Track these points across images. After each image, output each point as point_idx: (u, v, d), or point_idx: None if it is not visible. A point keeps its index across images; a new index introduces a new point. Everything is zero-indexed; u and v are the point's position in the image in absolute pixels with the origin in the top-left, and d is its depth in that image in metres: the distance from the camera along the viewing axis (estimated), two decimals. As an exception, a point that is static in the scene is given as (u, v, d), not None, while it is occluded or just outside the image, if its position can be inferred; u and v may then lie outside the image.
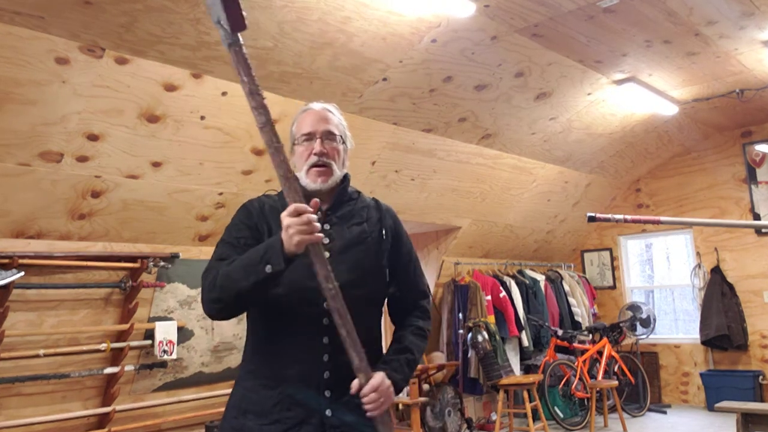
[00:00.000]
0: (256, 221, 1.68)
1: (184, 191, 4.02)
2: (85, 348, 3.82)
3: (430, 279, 6.33)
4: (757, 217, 6.79)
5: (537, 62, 4.47)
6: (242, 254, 1.57)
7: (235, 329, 4.54)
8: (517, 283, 6.74)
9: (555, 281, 7.28)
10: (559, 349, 6.53)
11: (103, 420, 3.94)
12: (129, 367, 4.02)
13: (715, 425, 5.99)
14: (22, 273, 3.44)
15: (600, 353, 6.50)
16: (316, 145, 1.68)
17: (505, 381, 5.71)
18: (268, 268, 1.46)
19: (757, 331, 6.74)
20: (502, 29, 3.94)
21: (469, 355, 6.08)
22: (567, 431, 5.98)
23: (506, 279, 6.71)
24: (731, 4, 3.92)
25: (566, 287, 7.33)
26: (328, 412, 1.58)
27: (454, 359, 6.11)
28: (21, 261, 3.44)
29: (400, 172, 5.15)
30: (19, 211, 3.47)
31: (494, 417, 6.08)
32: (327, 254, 1.52)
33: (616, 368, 6.64)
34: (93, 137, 3.42)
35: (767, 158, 6.84)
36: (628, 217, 2.53)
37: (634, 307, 7.18)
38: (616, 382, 6.15)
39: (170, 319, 4.23)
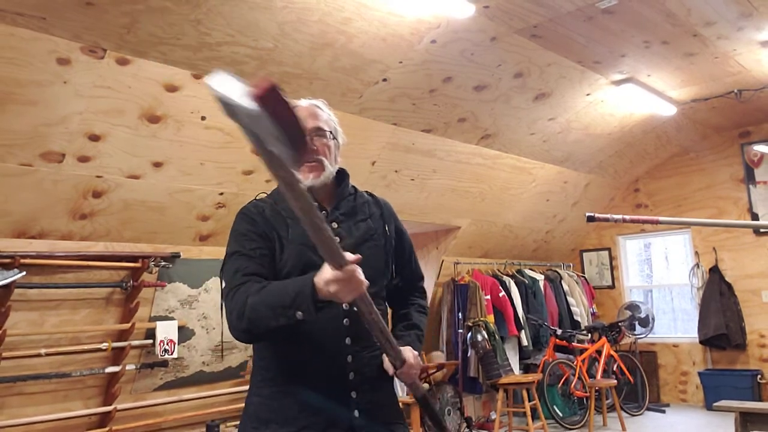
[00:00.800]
0: (263, 229, 1.64)
1: (185, 191, 4.03)
2: (86, 347, 3.83)
3: (430, 279, 6.34)
4: (755, 217, 6.80)
5: (536, 63, 4.48)
6: (260, 265, 1.57)
7: (235, 329, 4.55)
8: (517, 283, 6.75)
9: (554, 281, 7.28)
10: (558, 349, 6.54)
11: (105, 419, 3.96)
12: (130, 367, 4.03)
13: (714, 424, 6.00)
14: (24, 273, 3.45)
15: (599, 352, 6.50)
16: None
17: (504, 380, 5.73)
18: (299, 315, 1.42)
19: (755, 331, 6.75)
20: (501, 30, 3.95)
21: (468, 354, 6.10)
22: (566, 430, 6.00)
23: (505, 279, 6.72)
24: (729, 5, 3.94)
25: (565, 287, 7.33)
26: (356, 413, 1.59)
27: (454, 358, 6.12)
28: (22, 261, 3.45)
29: (399, 172, 5.16)
30: (21, 211, 3.48)
31: (494, 416, 6.09)
32: None
33: (614, 367, 6.65)
34: (94, 137, 3.43)
35: (765, 158, 6.86)
36: (627, 217, 2.55)
37: (633, 307, 7.19)
38: (614, 382, 6.16)
39: (171, 318, 4.24)
